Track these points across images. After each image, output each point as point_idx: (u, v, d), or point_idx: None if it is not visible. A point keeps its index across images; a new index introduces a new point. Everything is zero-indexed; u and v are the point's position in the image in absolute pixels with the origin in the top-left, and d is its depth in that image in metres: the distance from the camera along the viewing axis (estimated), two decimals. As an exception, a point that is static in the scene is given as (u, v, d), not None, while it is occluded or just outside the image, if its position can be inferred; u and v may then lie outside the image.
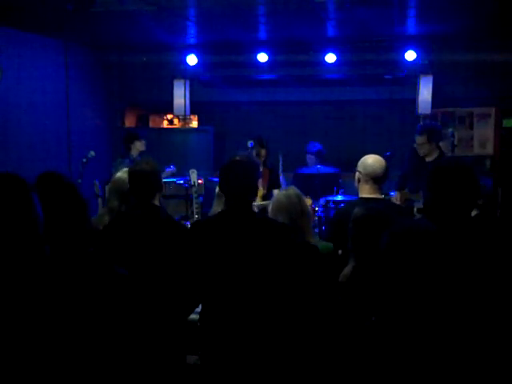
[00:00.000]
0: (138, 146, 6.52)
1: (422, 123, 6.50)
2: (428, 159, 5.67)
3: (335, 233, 3.62)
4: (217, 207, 3.90)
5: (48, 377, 1.88)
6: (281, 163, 6.58)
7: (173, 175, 6.58)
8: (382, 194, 3.75)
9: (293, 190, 3.36)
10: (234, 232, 2.89)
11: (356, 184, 3.74)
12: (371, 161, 3.68)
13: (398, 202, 5.22)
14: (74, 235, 2.04)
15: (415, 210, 5.27)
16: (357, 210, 3.05)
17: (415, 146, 5.71)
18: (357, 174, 3.71)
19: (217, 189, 3.99)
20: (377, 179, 3.65)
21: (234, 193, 2.94)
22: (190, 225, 3.24)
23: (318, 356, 2.89)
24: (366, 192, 3.69)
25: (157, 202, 3.29)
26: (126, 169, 3.88)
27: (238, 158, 2.99)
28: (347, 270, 3.07)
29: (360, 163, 3.71)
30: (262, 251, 2.86)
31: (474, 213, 3.19)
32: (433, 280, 2.33)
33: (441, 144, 5.83)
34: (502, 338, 2.31)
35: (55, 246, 2.03)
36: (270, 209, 3.43)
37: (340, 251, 3.44)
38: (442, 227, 2.46)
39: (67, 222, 2.03)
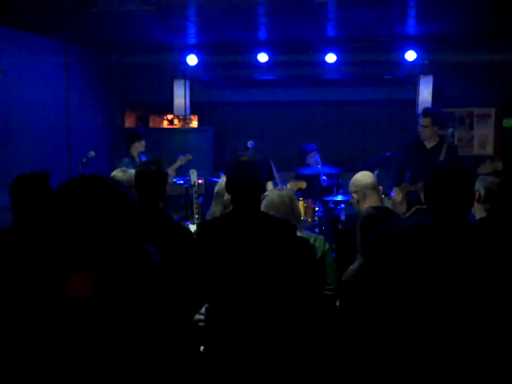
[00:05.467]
0: (138, 147, 6.48)
1: (426, 107, 6.49)
2: (428, 145, 5.66)
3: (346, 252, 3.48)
4: (215, 207, 3.90)
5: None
6: (274, 168, 6.51)
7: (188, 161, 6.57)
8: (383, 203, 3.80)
9: (286, 192, 3.47)
10: (242, 233, 2.88)
11: (357, 206, 3.74)
12: (359, 175, 3.77)
13: (398, 199, 5.19)
14: None
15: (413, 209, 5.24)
16: (366, 209, 3.08)
17: (419, 128, 5.72)
18: (353, 195, 3.74)
19: (215, 188, 3.99)
20: (375, 186, 3.71)
21: (239, 192, 2.89)
22: (197, 226, 3.20)
23: (319, 354, 2.90)
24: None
25: (161, 205, 3.25)
26: (119, 168, 3.88)
27: (243, 157, 2.93)
28: (353, 267, 3.08)
29: (351, 185, 3.76)
30: (269, 251, 2.85)
31: (481, 215, 3.17)
32: (420, 280, 2.33)
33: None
34: (490, 342, 2.30)
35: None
36: (262, 205, 3.49)
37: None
38: (437, 227, 2.46)
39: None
